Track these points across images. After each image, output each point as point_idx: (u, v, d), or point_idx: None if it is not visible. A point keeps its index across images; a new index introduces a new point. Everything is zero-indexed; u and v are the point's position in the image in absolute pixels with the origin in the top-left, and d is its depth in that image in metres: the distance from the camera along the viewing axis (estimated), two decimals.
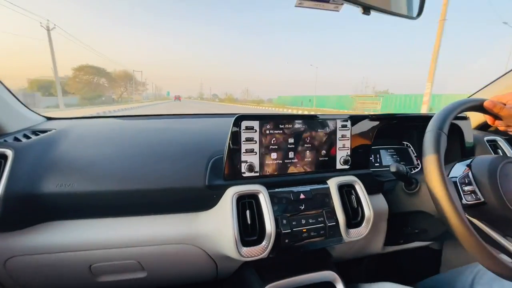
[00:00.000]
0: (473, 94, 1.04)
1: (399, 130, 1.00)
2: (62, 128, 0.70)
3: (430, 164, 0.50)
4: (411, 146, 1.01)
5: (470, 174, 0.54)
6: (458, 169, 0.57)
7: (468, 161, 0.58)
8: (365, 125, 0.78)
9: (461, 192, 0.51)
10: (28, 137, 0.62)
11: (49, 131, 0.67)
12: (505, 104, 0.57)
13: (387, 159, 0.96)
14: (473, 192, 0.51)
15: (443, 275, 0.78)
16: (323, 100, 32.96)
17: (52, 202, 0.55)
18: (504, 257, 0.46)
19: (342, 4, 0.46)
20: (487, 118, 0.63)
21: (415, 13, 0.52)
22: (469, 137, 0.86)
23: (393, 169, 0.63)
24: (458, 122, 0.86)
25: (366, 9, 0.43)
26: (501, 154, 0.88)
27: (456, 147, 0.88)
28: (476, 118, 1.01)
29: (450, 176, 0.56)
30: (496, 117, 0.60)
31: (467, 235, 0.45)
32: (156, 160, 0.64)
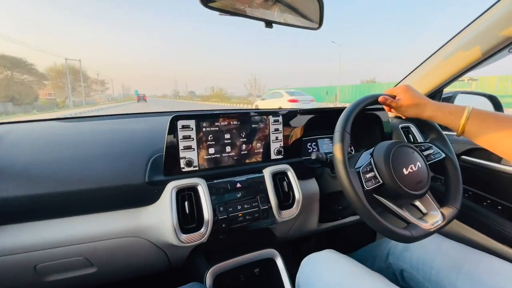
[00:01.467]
0: (400, 82, 1.18)
1: (335, 121, 1.13)
2: None
3: (336, 160, 0.59)
4: None
5: (372, 161, 0.64)
6: (365, 158, 0.67)
7: (371, 150, 0.68)
8: (297, 119, 0.88)
9: (363, 180, 0.61)
10: None
11: None
12: (394, 97, 0.69)
13: (324, 147, 1.09)
14: (373, 177, 0.61)
15: (371, 246, 0.91)
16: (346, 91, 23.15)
17: None
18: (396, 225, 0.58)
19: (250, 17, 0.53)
20: (386, 108, 0.75)
21: (316, 25, 0.61)
22: (386, 125, 1.02)
23: (313, 156, 0.73)
24: (377, 112, 1.01)
25: (268, 23, 0.51)
26: (411, 138, 1.05)
27: (377, 133, 1.03)
28: None
29: (357, 166, 0.65)
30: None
31: (364, 212, 0.56)
32: (96, 160, 0.67)
